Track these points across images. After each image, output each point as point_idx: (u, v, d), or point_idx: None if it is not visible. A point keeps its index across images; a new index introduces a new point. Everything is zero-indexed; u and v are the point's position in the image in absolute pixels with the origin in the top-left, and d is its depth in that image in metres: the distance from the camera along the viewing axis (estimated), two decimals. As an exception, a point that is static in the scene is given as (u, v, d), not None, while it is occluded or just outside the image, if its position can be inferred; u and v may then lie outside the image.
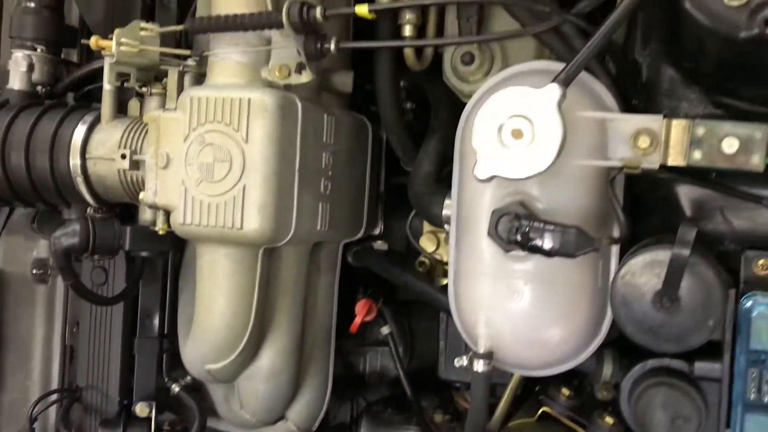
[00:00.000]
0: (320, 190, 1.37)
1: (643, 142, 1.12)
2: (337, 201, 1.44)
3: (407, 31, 1.39)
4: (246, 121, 1.23)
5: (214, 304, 1.30)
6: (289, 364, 1.45)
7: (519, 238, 1.08)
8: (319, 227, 1.38)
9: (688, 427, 1.14)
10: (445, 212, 1.35)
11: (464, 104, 1.31)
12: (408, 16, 1.39)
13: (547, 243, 1.06)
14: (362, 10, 1.17)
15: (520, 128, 1.06)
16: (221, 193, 1.23)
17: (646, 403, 1.17)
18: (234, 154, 1.23)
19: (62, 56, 1.57)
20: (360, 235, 1.59)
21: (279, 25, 1.20)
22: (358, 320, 1.55)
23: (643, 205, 1.25)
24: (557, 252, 1.06)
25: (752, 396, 1.11)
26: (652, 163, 1.12)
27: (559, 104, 1.04)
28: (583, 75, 1.16)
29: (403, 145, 1.51)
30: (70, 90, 1.55)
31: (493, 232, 1.11)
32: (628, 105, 1.23)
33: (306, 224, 1.33)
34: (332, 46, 1.22)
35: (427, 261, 1.59)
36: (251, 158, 1.22)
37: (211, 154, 1.24)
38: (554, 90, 1.05)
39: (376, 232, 1.67)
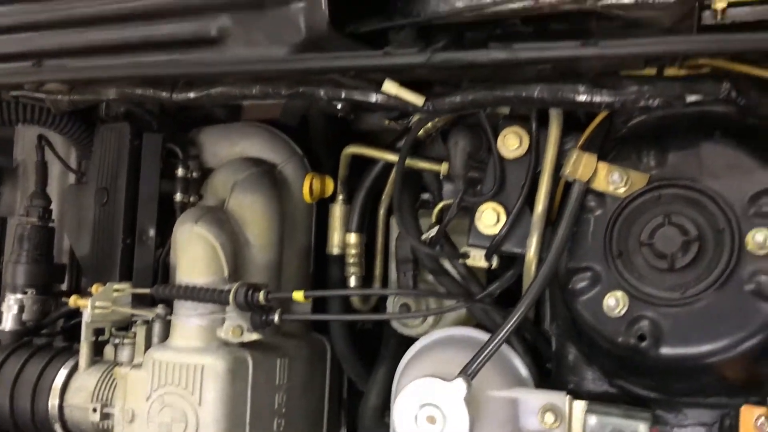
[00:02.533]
0: (273, 431, 1.50)
1: (549, 417, 1.24)
2: (292, 429, 1.57)
3: (352, 282, 1.56)
4: (199, 385, 1.38)
5: None
6: None
7: None
8: (271, 463, 1.51)
9: None
10: None
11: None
12: (353, 269, 1.56)
13: None
14: (299, 296, 1.33)
15: (433, 415, 1.20)
16: (175, 446, 1.37)
17: None
18: (189, 415, 1.38)
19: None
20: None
21: (228, 303, 1.36)
22: None
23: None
24: None
25: None
26: (558, 437, 1.23)
27: (466, 398, 1.18)
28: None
29: (356, 374, 1.64)
30: (57, 320, 1.72)
31: None
32: (542, 369, 1.35)
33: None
34: (276, 319, 1.38)
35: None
36: (204, 420, 1.37)
37: (169, 415, 1.38)
38: (461, 385, 1.18)
39: (340, 438, 1.79)
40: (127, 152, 1.73)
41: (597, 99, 1.12)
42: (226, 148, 1.78)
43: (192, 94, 1.38)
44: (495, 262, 1.32)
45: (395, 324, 1.56)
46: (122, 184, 1.73)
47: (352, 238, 1.55)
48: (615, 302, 1.14)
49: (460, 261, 1.35)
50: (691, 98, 1.10)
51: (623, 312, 1.15)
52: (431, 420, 1.20)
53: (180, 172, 1.73)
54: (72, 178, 1.89)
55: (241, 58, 1.29)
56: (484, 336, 1.35)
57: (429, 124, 1.44)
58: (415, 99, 1.23)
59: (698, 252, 1.12)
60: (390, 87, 1.22)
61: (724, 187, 1.11)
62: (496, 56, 1.12)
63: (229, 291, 1.37)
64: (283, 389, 1.53)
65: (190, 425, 1.37)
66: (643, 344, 1.12)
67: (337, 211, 1.61)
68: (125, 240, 1.72)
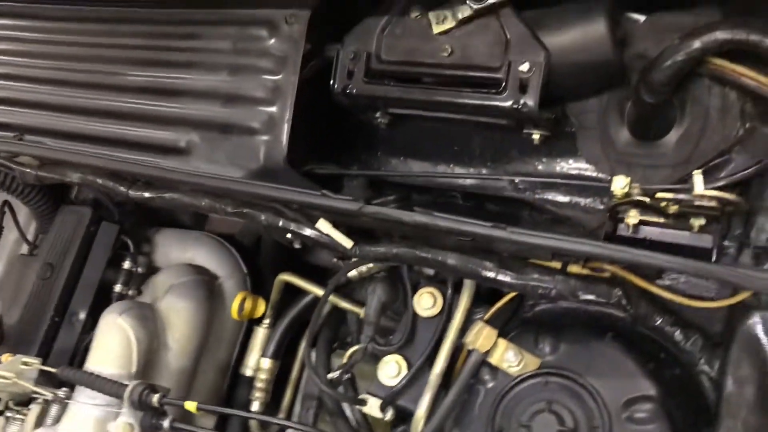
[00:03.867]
0: None
1: None
2: None
3: (255, 406, 1.57)
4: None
5: None
6: None
7: None
8: None
9: None
10: None
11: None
12: (258, 394, 1.58)
13: None
14: (191, 406, 1.35)
15: None
16: None
17: None
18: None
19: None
20: None
21: (122, 397, 1.38)
22: None
23: None
24: None
25: None
26: None
27: None
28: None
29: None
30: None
31: None
32: None
33: None
34: (166, 424, 1.39)
35: None
36: None
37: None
38: None
39: None
40: (82, 235, 1.80)
41: (501, 278, 1.20)
42: (177, 252, 1.86)
43: (147, 194, 1.48)
44: (389, 415, 1.35)
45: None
46: (68, 264, 1.78)
47: (266, 363, 1.59)
48: (485, 476, 1.16)
49: (357, 407, 1.37)
50: (585, 296, 1.18)
51: (491, 487, 1.17)
52: None
53: (126, 264, 1.80)
54: (25, 248, 1.95)
55: (199, 172, 1.40)
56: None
57: (364, 268, 1.51)
58: (345, 241, 1.31)
59: (570, 444, 1.15)
60: (323, 225, 1.32)
61: (604, 386, 1.17)
62: (418, 219, 1.22)
63: (126, 386, 1.38)
64: (160, 500, 1.50)
65: None
66: None
67: (260, 333, 1.65)
68: (54, 317, 1.75)
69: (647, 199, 1.17)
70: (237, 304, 1.66)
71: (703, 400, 1.18)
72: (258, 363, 1.61)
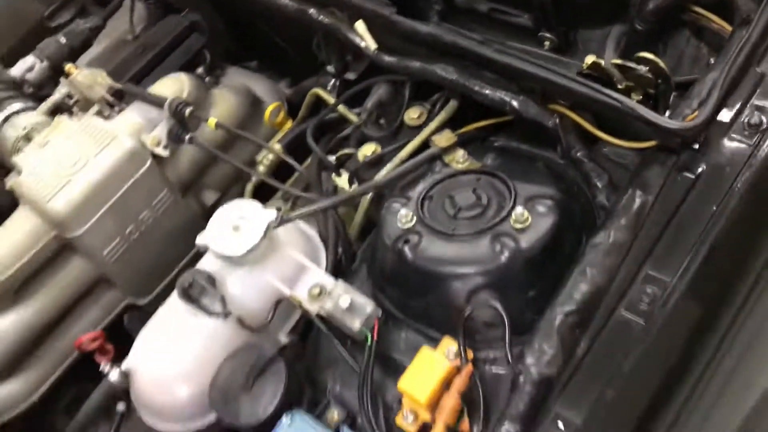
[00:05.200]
0: (125, 231, 1.78)
1: (316, 290, 1.49)
2: (136, 254, 1.82)
3: (260, 168, 1.91)
4: (104, 146, 1.72)
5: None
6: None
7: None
8: (106, 254, 1.76)
9: None
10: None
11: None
12: (264, 162, 1.92)
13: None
14: (211, 122, 1.71)
15: (239, 225, 1.49)
16: (59, 175, 1.69)
17: None
18: (81, 160, 1.70)
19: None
20: (145, 302, 1.93)
21: (163, 105, 1.75)
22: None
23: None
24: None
25: None
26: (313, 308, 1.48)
27: (269, 227, 1.47)
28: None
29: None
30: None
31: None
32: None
33: (97, 239, 1.73)
34: (186, 139, 1.75)
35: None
36: (87, 167, 1.69)
37: (72, 152, 1.72)
38: (271, 216, 1.48)
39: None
40: (175, 34, 2.22)
41: (476, 87, 1.53)
42: (240, 79, 2.25)
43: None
44: (354, 187, 1.66)
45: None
46: (157, 49, 2.20)
47: (277, 146, 1.92)
48: (406, 215, 1.45)
49: (332, 176, 1.70)
50: (531, 115, 1.50)
51: (407, 226, 1.45)
52: (236, 228, 1.49)
53: (199, 70, 2.20)
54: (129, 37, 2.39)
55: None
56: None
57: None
58: (371, 43, 1.68)
59: (479, 214, 1.44)
60: (359, 26, 1.69)
61: (521, 186, 1.46)
62: (431, 31, 1.58)
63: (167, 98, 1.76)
64: (153, 213, 1.80)
65: (78, 164, 1.70)
66: (406, 248, 1.41)
67: (280, 134, 2.00)
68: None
69: (601, 61, 1.49)
70: (273, 107, 2.02)
71: (594, 223, 1.45)
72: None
